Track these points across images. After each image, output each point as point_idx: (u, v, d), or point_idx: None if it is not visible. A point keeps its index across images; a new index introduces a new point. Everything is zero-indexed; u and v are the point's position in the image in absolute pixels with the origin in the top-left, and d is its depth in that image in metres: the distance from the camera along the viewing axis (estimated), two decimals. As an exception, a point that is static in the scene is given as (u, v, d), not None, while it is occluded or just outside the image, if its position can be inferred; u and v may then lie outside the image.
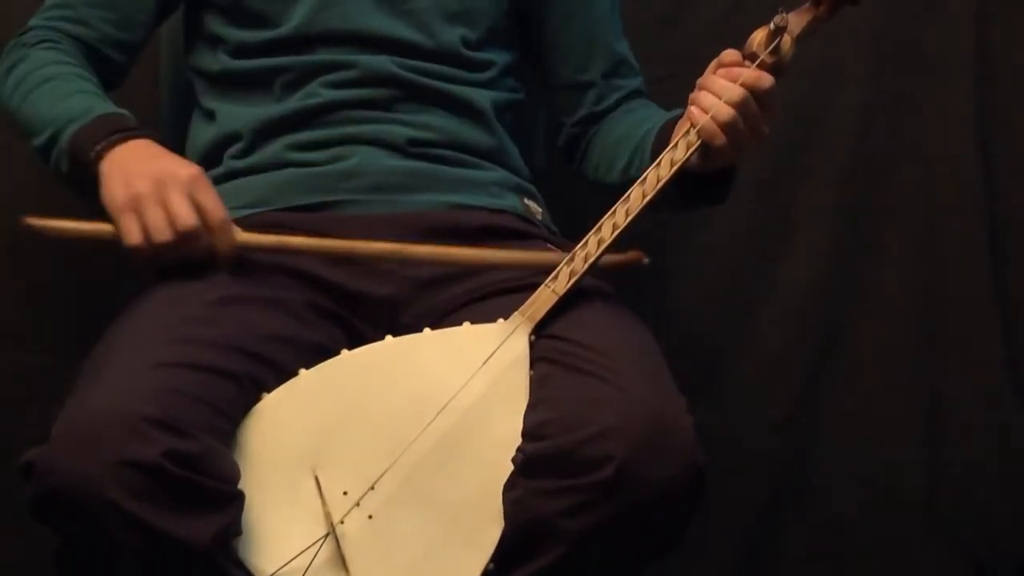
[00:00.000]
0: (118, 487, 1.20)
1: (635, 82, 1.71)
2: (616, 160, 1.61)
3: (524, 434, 1.32)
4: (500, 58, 1.64)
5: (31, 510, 1.25)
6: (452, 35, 1.58)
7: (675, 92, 1.56)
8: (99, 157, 1.41)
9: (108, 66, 1.59)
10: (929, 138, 2.00)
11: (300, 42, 1.56)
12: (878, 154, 2.00)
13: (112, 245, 1.41)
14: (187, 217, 1.38)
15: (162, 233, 1.37)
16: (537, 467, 1.30)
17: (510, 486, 1.31)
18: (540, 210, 1.64)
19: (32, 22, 1.59)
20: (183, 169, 1.40)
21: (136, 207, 1.38)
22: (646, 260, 1.49)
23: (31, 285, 1.86)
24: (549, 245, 1.55)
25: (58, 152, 1.46)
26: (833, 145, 1.99)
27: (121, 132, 1.43)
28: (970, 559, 2.00)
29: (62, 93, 1.49)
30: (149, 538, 1.22)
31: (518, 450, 1.31)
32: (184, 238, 1.38)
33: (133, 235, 1.38)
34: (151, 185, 1.37)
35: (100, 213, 1.42)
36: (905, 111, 2.00)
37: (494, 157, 1.61)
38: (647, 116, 1.62)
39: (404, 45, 1.57)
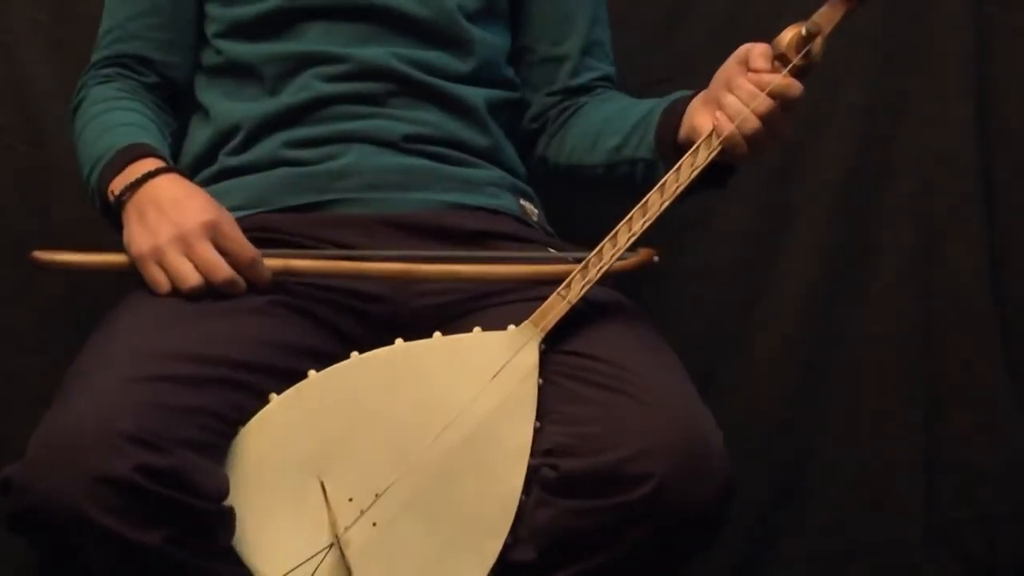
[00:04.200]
0: (92, 503, 1.19)
1: (608, 67, 1.71)
2: (601, 140, 1.60)
3: (553, 450, 1.31)
4: (495, 37, 1.63)
5: (9, 525, 1.24)
6: (451, 3, 1.58)
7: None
8: (121, 205, 1.42)
9: (172, 71, 1.62)
10: (929, 138, 2.00)
11: (290, 17, 1.56)
12: (878, 154, 2.00)
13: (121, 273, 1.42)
14: (220, 268, 1.39)
15: (187, 280, 1.37)
16: (572, 485, 1.30)
17: (539, 503, 1.31)
18: (536, 211, 1.63)
19: (93, 56, 1.63)
20: (203, 215, 1.40)
21: (159, 257, 1.39)
22: (656, 258, 1.48)
23: (26, 286, 1.86)
24: (550, 249, 1.55)
25: (91, 193, 1.48)
26: (833, 145, 1.99)
27: (140, 173, 1.42)
28: (969, 560, 2.00)
29: (100, 131, 1.51)
30: (123, 552, 1.22)
31: (548, 466, 1.31)
32: (223, 287, 1.39)
33: (160, 285, 1.39)
34: (173, 236, 1.38)
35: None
36: (905, 111, 2.00)
37: (490, 156, 1.61)
38: (635, 102, 1.61)
39: (400, 16, 1.56)
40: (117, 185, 1.43)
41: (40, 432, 1.24)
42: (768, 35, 1.47)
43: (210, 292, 1.39)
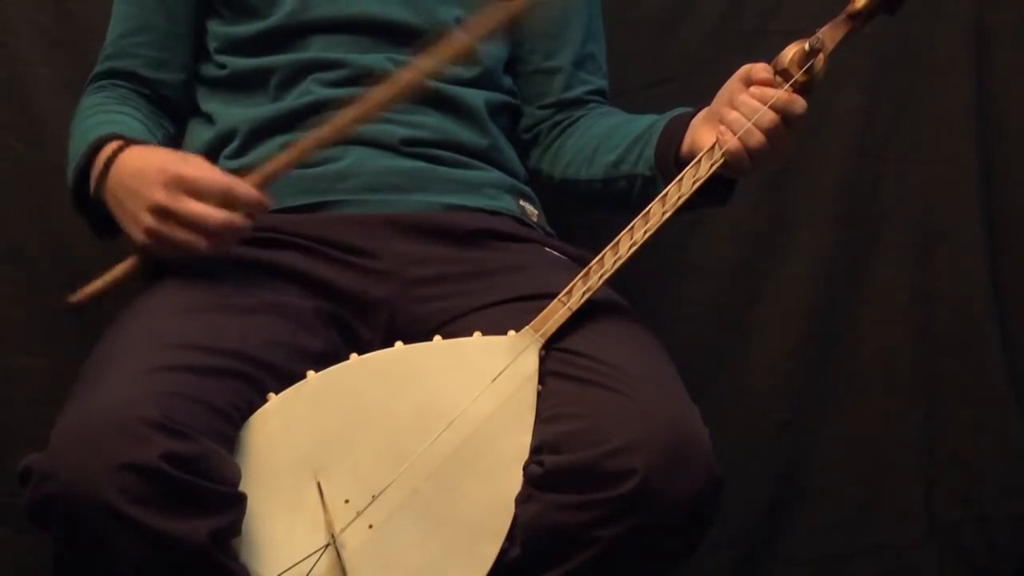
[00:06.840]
0: (116, 491, 1.20)
1: (601, 81, 1.71)
2: (599, 155, 1.60)
3: (541, 447, 1.32)
4: (496, 50, 1.63)
5: (29, 515, 1.25)
6: (447, 15, 1.59)
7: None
8: (104, 205, 1.42)
9: (164, 88, 1.63)
10: (929, 138, 2.00)
11: (291, 33, 1.57)
12: (878, 155, 2.00)
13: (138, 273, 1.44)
14: (208, 216, 1.37)
15: (194, 246, 1.37)
16: (558, 481, 1.30)
17: (525, 498, 1.31)
18: (536, 212, 1.64)
19: (92, 72, 1.65)
20: (160, 175, 1.37)
21: (156, 238, 1.38)
22: None
23: (28, 285, 1.86)
24: (547, 249, 1.55)
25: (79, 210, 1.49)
26: (833, 146, 1.99)
27: (100, 167, 1.42)
28: (969, 560, 2.00)
29: (80, 132, 1.51)
30: (147, 540, 1.22)
31: (535, 463, 1.31)
32: (224, 230, 1.38)
33: (184, 254, 1.39)
34: (149, 210, 1.37)
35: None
36: (905, 112, 2.00)
37: (489, 158, 1.61)
38: (633, 118, 1.61)
39: (398, 28, 1.57)
40: (93, 191, 1.43)
41: (61, 422, 1.25)
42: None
43: (230, 278, 1.40)
